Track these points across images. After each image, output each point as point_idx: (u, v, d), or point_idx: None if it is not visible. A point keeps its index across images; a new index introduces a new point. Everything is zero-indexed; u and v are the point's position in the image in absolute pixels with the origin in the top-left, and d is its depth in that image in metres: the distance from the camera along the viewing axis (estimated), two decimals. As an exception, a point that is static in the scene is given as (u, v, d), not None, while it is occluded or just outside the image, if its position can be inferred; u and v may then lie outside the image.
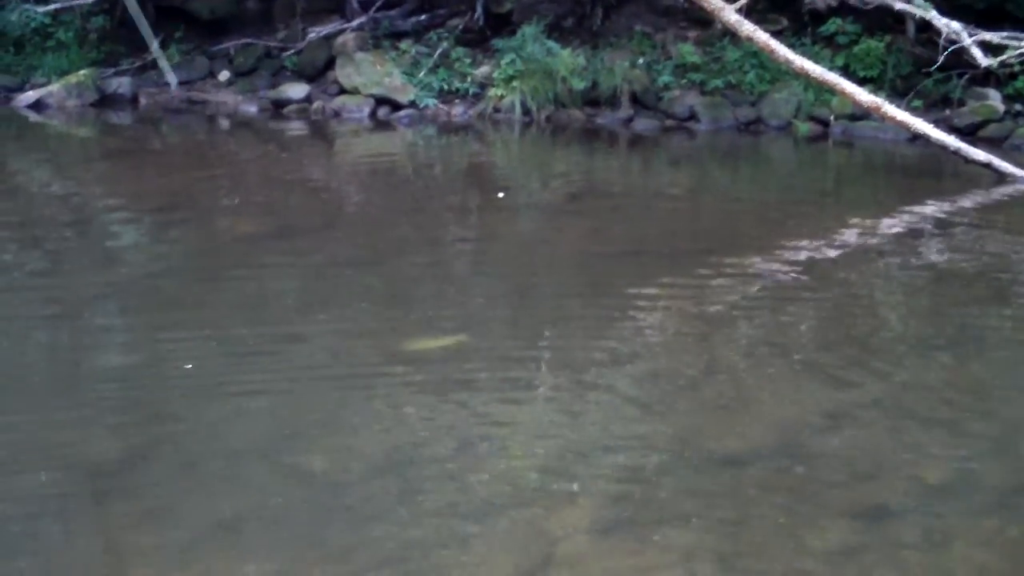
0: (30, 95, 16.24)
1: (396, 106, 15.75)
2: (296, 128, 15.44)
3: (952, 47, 13.92)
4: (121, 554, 4.76)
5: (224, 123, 15.82)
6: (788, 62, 13.45)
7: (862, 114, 14.38)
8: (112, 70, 16.92)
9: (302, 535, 4.89)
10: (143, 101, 16.53)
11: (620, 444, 5.86)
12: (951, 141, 12.92)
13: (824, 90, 14.41)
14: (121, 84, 16.72)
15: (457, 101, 15.88)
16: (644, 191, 12.77)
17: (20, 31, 16.86)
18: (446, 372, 6.74)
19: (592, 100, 15.59)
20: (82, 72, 16.54)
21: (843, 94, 13.51)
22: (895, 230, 10.44)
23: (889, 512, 5.12)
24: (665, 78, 15.69)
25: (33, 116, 15.82)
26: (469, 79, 15.98)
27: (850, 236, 10.13)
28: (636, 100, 15.62)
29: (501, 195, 11.54)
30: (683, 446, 5.85)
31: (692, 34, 16.37)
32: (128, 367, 6.89)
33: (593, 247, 9.72)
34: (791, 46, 14.11)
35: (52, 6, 16.75)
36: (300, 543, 4.82)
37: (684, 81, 15.76)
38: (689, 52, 15.81)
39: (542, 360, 7.13)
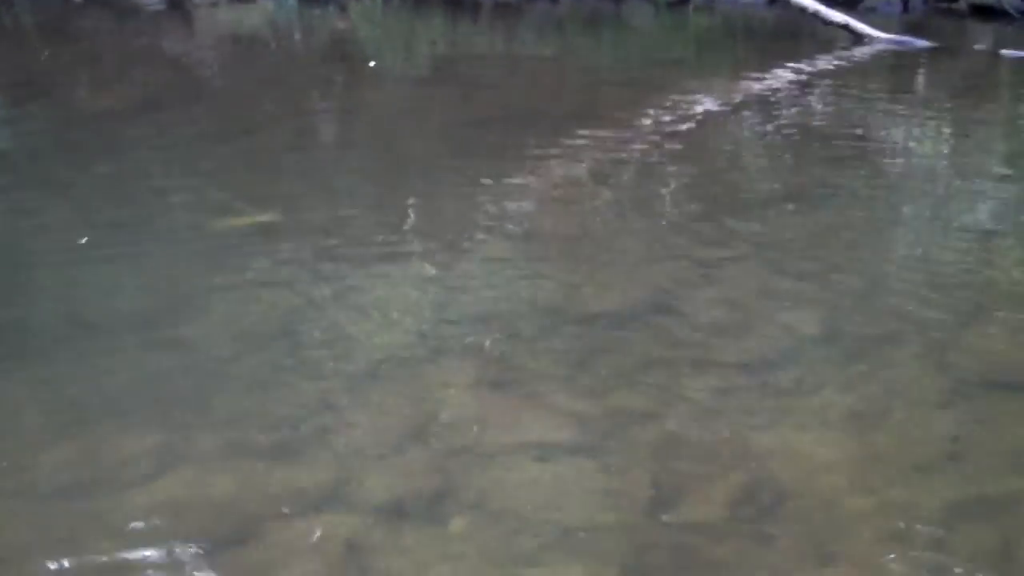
0: None
1: (256, -23, 15.42)
2: (153, 2, 15.01)
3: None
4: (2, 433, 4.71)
5: (78, -1, 15.34)
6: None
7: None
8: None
9: (187, 405, 4.89)
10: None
11: (497, 308, 5.92)
12: (809, 3, 13.12)
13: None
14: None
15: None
16: (508, 60, 12.76)
17: None
18: (316, 243, 6.71)
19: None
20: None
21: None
22: (755, 92, 10.62)
23: (765, 361, 5.29)
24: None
25: None
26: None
27: (710, 101, 10.28)
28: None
29: (372, 64, 11.43)
30: (561, 306, 5.94)
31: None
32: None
33: (458, 115, 9.72)
34: None
35: None
36: (185, 413, 4.82)
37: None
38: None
39: (415, 228, 7.14)
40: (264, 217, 7.06)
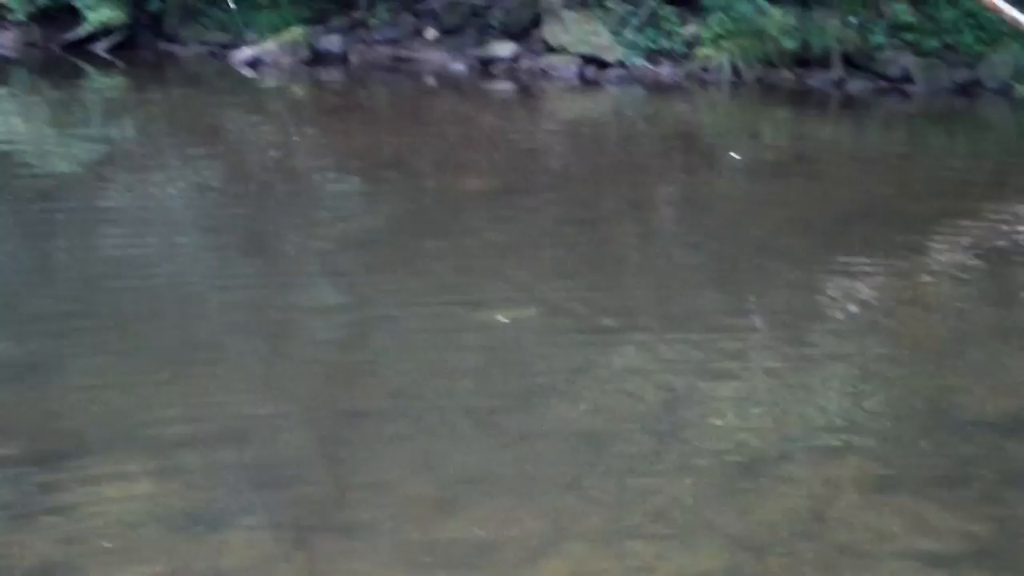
0: (246, 53, 16.68)
1: (603, 65, 15.74)
2: (504, 87, 15.56)
3: None
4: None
5: (432, 81, 16.02)
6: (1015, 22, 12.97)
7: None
8: (322, 28, 17.26)
9: (569, 487, 4.99)
10: (353, 59, 16.82)
11: (869, 407, 5.82)
12: None
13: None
14: (332, 42, 17.06)
15: (664, 60, 15.80)
16: (858, 154, 12.58)
17: (234, -12, 17.31)
18: (659, 337, 6.77)
19: (802, 60, 15.36)
20: (295, 30, 16.93)
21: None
22: None
23: None
24: (878, 38, 15.35)
25: (250, 73, 16.24)
26: (677, 38, 15.88)
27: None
28: (848, 61, 15.34)
29: (734, 155, 11.49)
30: (937, 408, 5.80)
31: (906, -7, 15.99)
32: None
33: (813, 209, 9.63)
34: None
35: (264, -35, 17.17)
36: (568, 494, 4.92)
37: (897, 41, 15.40)
38: (903, 11, 15.44)
39: (770, 323, 7.11)
40: (607, 318, 7.15)
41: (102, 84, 15.76)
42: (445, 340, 6.68)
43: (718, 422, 5.66)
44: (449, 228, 8.88)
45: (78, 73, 15.86)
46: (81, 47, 16.82)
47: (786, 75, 15.27)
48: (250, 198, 9.83)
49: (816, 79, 15.25)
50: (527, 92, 15.48)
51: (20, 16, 16.79)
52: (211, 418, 5.63)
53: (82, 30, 16.81)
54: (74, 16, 16.86)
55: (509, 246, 8.53)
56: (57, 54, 16.65)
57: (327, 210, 9.51)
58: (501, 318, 6.92)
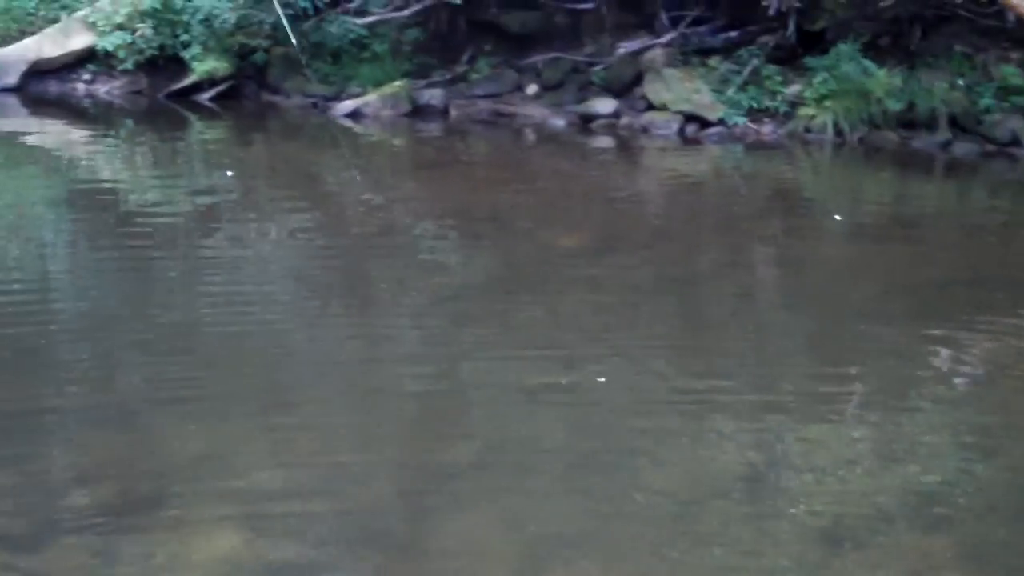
0: (348, 105, 16.81)
1: (704, 123, 15.61)
2: (604, 143, 15.51)
3: None
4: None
5: (531, 136, 16.01)
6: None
7: None
8: (424, 82, 17.38)
9: (653, 553, 4.89)
10: (453, 113, 16.89)
11: (959, 482, 5.64)
12: None
13: None
14: (433, 95, 17.16)
15: (766, 120, 15.61)
16: (966, 219, 12.31)
17: (338, 43, 17.50)
18: (753, 402, 6.65)
19: (908, 122, 15.07)
20: (397, 83, 17.04)
21: None
22: None
23: None
24: (986, 101, 15.04)
25: (350, 125, 16.38)
26: (779, 97, 15.67)
27: None
28: (954, 123, 15.02)
29: (838, 217, 11.35)
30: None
31: (1015, 55, 15.63)
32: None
33: (915, 275, 9.43)
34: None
35: (370, 19, 17.37)
36: (652, 558, 4.82)
37: (1006, 104, 15.06)
38: (1013, 74, 15.12)
39: (861, 392, 6.95)
40: (699, 380, 7.05)
41: (205, 132, 16.00)
42: (534, 397, 6.61)
43: (810, 491, 5.51)
44: (543, 285, 8.82)
45: (182, 122, 16.13)
46: (186, 96, 17.12)
47: (890, 136, 15.00)
48: (345, 249, 9.87)
49: (921, 141, 14.97)
50: (626, 148, 15.42)
51: (128, 65, 17.14)
52: (298, 467, 5.62)
53: (188, 80, 17.12)
54: (180, 66, 17.17)
55: (601, 304, 8.46)
56: (162, 102, 16.95)
57: (421, 265, 9.49)
58: (600, 379, 6.86)
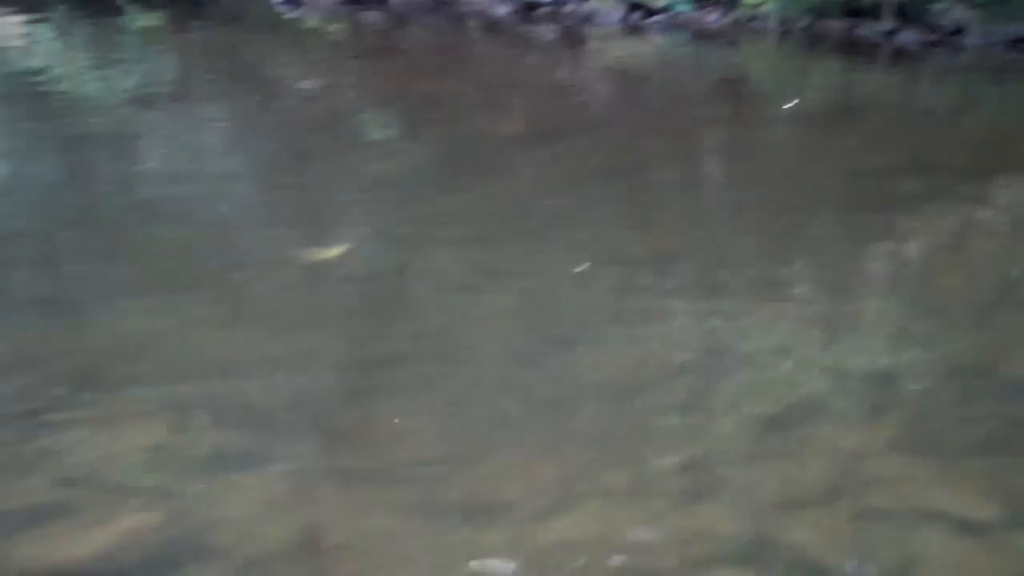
0: (286, -9, 16.51)
1: (649, 11, 15.42)
2: (546, 32, 15.28)
3: None
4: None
5: (473, 24, 15.74)
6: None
7: None
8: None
9: (593, 440, 4.83)
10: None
11: (903, 368, 5.61)
12: None
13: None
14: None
15: (711, 8, 15.45)
16: (906, 108, 12.25)
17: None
18: (698, 288, 6.59)
19: (853, 10, 14.95)
20: (337, -30, 16.70)
21: None
22: None
23: None
24: (931, -11, 14.96)
25: (288, 12, 16.04)
26: (725, -14, 15.53)
27: None
28: (900, 11, 14.92)
29: (788, 106, 11.25)
30: (975, 370, 5.59)
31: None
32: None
33: (859, 163, 9.38)
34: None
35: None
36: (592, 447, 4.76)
37: (951, -8, 15.00)
38: (958, -38, 15.03)
39: (805, 280, 6.90)
40: (643, 265, 6.96)
41: (140, 21, 15.60)
42: (473, 283, 6.50)
43: (751, 377, 5.46)
44: (484, 172, 8.68)
45: (116, 10, 15.70)
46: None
47: (835, 25, 14.88)
48: (282, 137, 9.68)
49: (866, 29, 14.85)
50: (570, 37, 15.19)
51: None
52: (232, 356, 5.50)
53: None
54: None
55: (544, 190, 8.33)
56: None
57: (360, 151, 9.32)
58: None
